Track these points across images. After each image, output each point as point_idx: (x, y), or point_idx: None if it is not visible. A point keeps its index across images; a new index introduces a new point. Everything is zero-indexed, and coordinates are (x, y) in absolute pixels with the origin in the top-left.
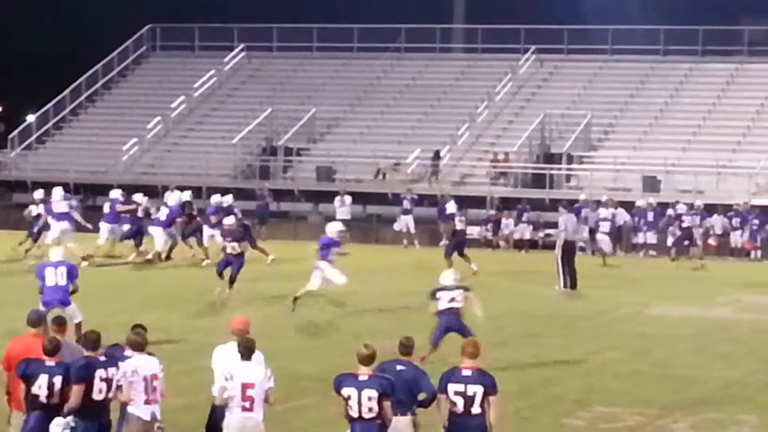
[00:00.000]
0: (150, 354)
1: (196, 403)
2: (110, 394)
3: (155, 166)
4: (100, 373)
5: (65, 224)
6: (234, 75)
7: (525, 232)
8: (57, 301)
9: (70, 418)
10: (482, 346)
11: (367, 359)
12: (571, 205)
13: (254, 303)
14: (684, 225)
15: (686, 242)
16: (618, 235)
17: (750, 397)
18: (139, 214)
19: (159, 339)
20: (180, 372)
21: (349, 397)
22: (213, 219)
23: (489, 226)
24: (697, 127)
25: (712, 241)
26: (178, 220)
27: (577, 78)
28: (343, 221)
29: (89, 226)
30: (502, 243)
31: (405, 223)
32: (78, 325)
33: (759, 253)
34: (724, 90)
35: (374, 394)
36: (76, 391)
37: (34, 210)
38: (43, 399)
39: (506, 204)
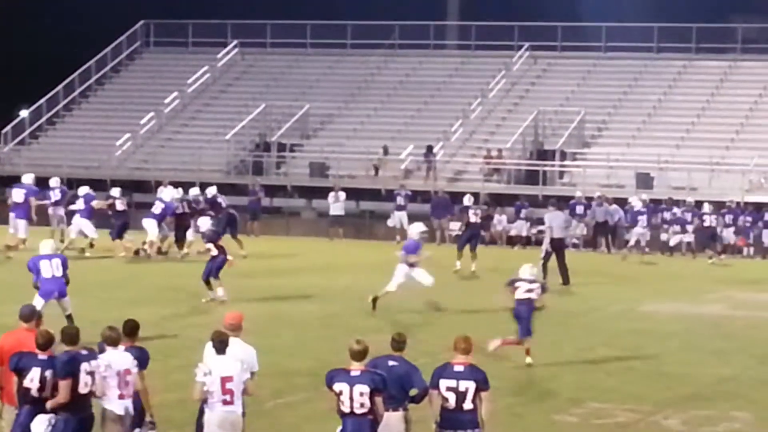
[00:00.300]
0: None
1: (189, 398)
2: (93, 388)
3: (148, 162)
4: (84, 366)
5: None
6: (227, 71)
7: (522, 228)
8: (56, 292)
9: (51, 416)
10: (474, 342)
11: (359, 355)
12: (566, 202)
13: (247, 299)
14: (705, 224)
15: (711, 241)
16: (612, 232)
17: (742, 394)
18: (119, 207)
19: (152, 334)
20: (173, 367)
21: (340, 393)
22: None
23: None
24: (690, 125)
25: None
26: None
27: (570, 75)
28: (337, 217)
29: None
30: (496, 239)
31: (399, 219)
32: (69, 317)
33: (751, 250)
34: (718, 87)
35: (366, 389)
36: (64, 387)
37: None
38: (34, 393)
39: (499, 200)
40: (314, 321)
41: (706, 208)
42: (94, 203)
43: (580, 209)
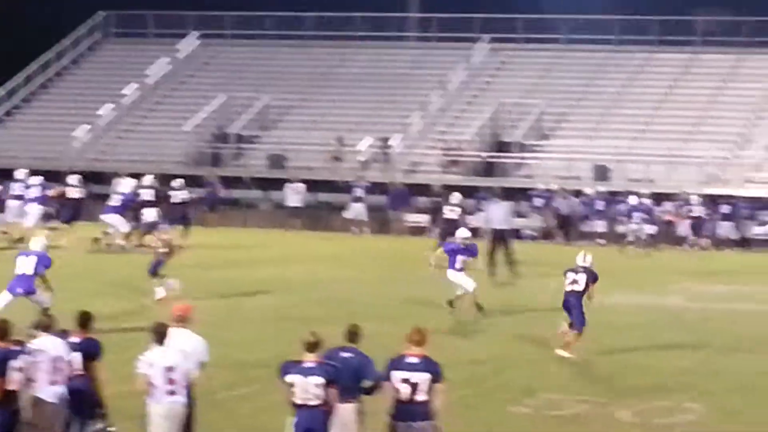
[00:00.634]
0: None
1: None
2: (22, 384)
3: (107, 153)
4: (13, 363)
5: None
6: (187, 62)
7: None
8: (21, 290)
9: None
10: (428, 334)
11: (312, 346)
12: (525, 194)
13: (204, 291)
14: (694, 215)
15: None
16: (572, 224)
17: (696, 386)
18: (74, 195)
19: (108, 327)
20: (127, 359)
21: (294, 384)
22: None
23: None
24: (649, 117)
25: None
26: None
27: (531, 67)
28: (294, 208)
29: None
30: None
31: (356, 210)
32: (45, 311)
33: (708, 242)
34: (677, 80)
35: (320, 380)
36: None
37: None
38: None
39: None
40: (270, 313)
41: (695, 199)
42: (50, 192)
43: (538, 202)
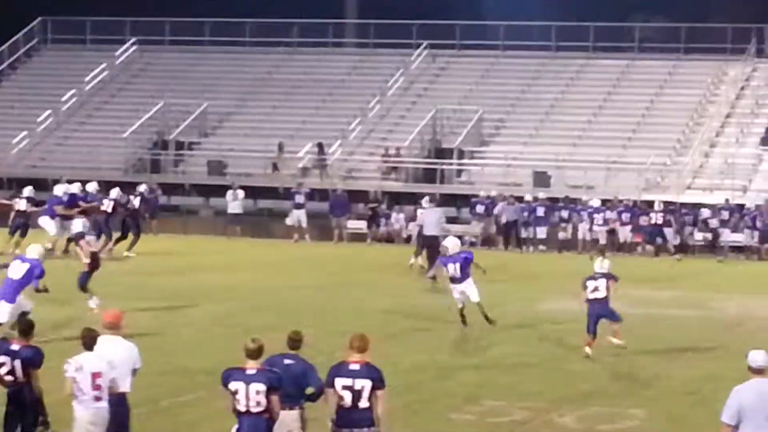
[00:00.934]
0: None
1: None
2: None
3: (46, 160)
4: None
5: None
6: (125, 69)
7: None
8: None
9: None
10: (370, 340)
11: (254, 353)
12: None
13: (145, 297)
14: (654, 222)
15: (659, 239)
16: (509, 230)
17: (639, 391)
18: (21, 207)
19: (53, 336)
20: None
21: (236, 392)
22: (60, 210)
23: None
24: (587, 123)
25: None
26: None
27: (469, 73)
28: (235, 215)
29: None
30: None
31: (297, 217)
32: (21, 315)
33: (647, 247)
34: (615, 86)
35: (262, 387)
36: None
37: None
38: None
39: (397, 199)
40: (212, 319)
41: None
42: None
43: (480, 208)
